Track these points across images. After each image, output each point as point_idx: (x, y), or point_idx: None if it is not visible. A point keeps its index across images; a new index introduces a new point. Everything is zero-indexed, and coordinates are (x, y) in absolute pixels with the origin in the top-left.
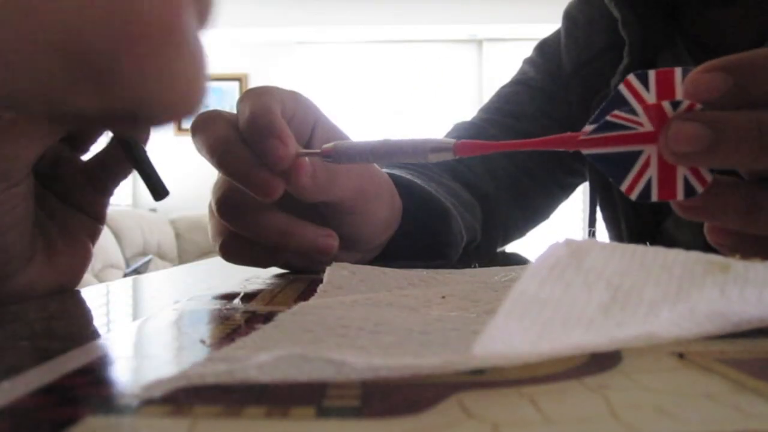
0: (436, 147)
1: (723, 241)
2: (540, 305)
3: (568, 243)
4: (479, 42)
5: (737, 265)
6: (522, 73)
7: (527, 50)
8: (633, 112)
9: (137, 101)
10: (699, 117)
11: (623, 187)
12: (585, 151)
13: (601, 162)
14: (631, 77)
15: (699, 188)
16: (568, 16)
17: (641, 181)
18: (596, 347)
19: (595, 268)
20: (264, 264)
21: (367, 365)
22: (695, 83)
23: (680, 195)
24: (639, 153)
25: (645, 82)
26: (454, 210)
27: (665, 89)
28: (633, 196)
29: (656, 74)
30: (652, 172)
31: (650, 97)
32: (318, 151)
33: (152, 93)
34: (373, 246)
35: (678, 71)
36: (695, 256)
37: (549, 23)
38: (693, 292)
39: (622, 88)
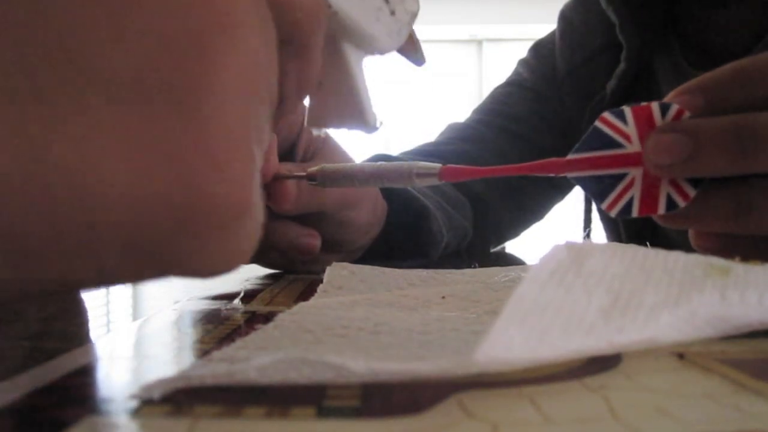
0: (421, 172)
1: (710, 245)
2: (540, 310)
3: (569, 246)
4: (479, 42)
5: (737, 268)
6: (516, 74)
7: (527, 50)
8: (622, 117)
9: (188, 272)
10: (678, 127)
11: (604, 206)
12: (570, 175)
13: (584, 182)
14: (607, 114)
15: (681, 203)
16: (564, 18)
17: (623, 199)
18: (596, 352)
19: (596, 272)
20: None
21: (367, 369)
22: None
23: (662, 210)
24: (624, 175)
25: (622, 118)
26: (434, 209)
27: (644, 122)
28: (613, 214)
29: (633, 111)
30: (635, 191)
31: (629, 129)
32: (303, 174)
33: (206, 265)
34: (355, 248)
35: (655, 105)
36: (695, 259)
37: (549, 24)
38: (693, 296)
39: (599, 124)
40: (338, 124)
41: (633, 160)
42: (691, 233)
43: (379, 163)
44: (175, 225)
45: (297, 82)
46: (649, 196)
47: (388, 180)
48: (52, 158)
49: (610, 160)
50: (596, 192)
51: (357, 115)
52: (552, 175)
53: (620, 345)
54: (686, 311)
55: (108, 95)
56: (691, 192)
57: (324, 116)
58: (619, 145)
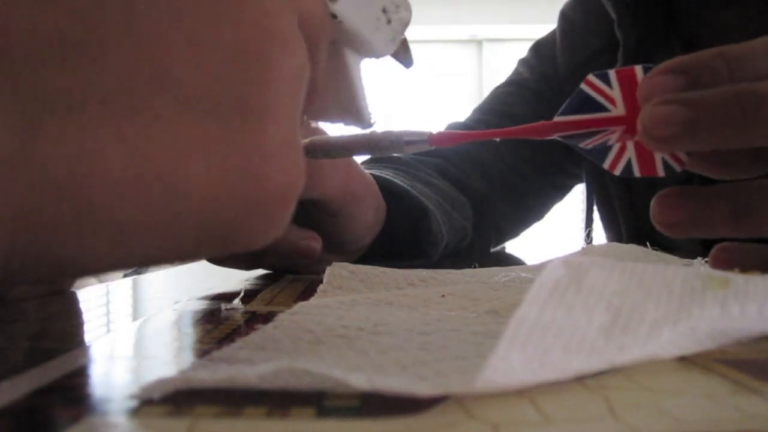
0: (411, 139)
1: (729, 267)
2: (541, 332)
3: (567, 262)
4: (479, 42)
5: (737, 279)
6: (516, 73)
7: (527, 50)
8: (606, 80)
9: (245, 246)
10: (673, 98)
11: (606, 166)
12: (561, 137)
13: (580, 146)
14: (591, 77)
15: (677, 168)
16: (564, 18)
17: (622, 159)
18: (597, 370)
19: (596, 289)
20: (246, 266)
21: (368, 384)
22: (649, 86)
23: (660, 172)
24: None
25: (606, 81)
26: (434, 209)
27: (628, 85)
28: (616, 173)
29: (617, 73)
30: (630, 153)
31: (614, 93)
32: None
33: (261, 238)
34: (358, 248)
35: (638, 69)
36: (695, 271)
37: (549, 24)
38: (693, 310)
39: (584, 86)
40: (336, 120)
41: (618, 121)
42: (710, 259)
43: (368, 132)
44: (242, 209)
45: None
46: (645, 159)
47: (378, 149)
48: (148, 161)
49: (595, 122)
50: (594, 154)
51: (354, 112)
52: (539, 138)
53: (621, 363)
54: (687, 327)
55: (188, 107)
56: (685, 158)
57: (323, 112)
58: (603, 108)
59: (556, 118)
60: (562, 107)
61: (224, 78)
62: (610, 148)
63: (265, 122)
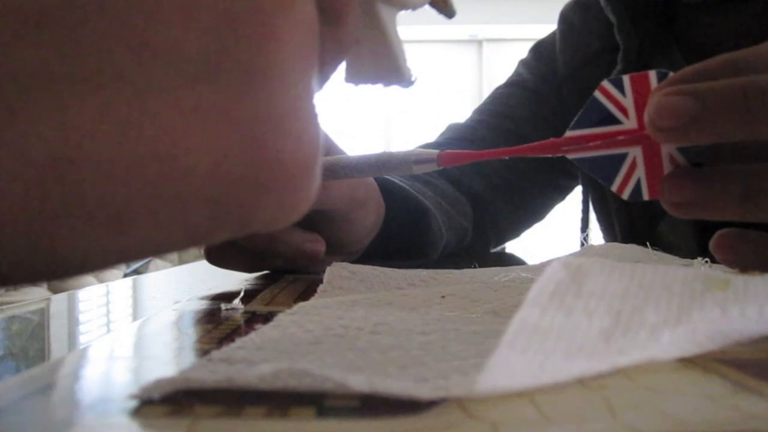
0: (419, 159)
1: (731, 256)
2: (542, 335)
3: (567, 264)
4: (479, 42)
5: (737, 280)
6: (517, 74)
7: (527, 51)
8: (620, 86)
9: (260, 226)
10: (681, 89)
11: (614, 188)
12: (570, 156)
13: (589, 165)
14: (606, 83)
15: None
16: (564, 19)
17: (631, 181)
18: (598, 373)
19: (596, 292)
20: (250, 268)
21: (368, 386)
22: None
23: None
24: (624, 155)
25: (620, 88)
26: (433, 209)
27: (641, 93)
28: (625, 196)
29: (631, 79)
30: (640, 173)
31: (627, 102)
32: None
33: (277, 218)
34: (358, 249)
35: (652, 74)
36: (695, 272)
37: (549, 24)
38: (694, 312)
39: (597, 94)
40: (375, 80)
41: (631, 138)
42: (712, 245)
43: (377, 152)
44: (251, 183)
45: (334, 48)
46: (655, 177)
47: (387, 169)
48: (140, 136)
49: (606, 136)
50: (602, 175)
51: (392, 70)
52: (549, 156)
53: (622, 365)
54: (687, 329)
55: (181, 73)
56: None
57: (361, 73)
58: (616, 121)
59: (567, 133)
60: (575, 119)
61: (219, 38)
62: (619, 168)
63: (269, 85)
